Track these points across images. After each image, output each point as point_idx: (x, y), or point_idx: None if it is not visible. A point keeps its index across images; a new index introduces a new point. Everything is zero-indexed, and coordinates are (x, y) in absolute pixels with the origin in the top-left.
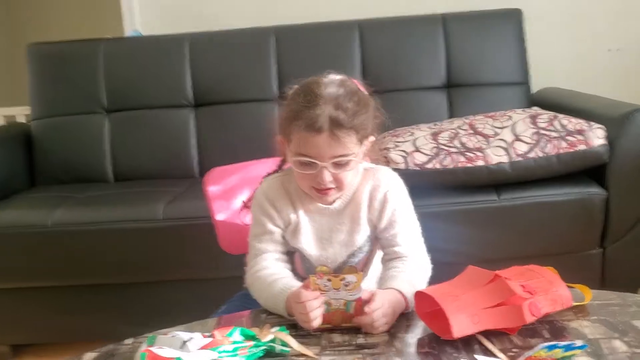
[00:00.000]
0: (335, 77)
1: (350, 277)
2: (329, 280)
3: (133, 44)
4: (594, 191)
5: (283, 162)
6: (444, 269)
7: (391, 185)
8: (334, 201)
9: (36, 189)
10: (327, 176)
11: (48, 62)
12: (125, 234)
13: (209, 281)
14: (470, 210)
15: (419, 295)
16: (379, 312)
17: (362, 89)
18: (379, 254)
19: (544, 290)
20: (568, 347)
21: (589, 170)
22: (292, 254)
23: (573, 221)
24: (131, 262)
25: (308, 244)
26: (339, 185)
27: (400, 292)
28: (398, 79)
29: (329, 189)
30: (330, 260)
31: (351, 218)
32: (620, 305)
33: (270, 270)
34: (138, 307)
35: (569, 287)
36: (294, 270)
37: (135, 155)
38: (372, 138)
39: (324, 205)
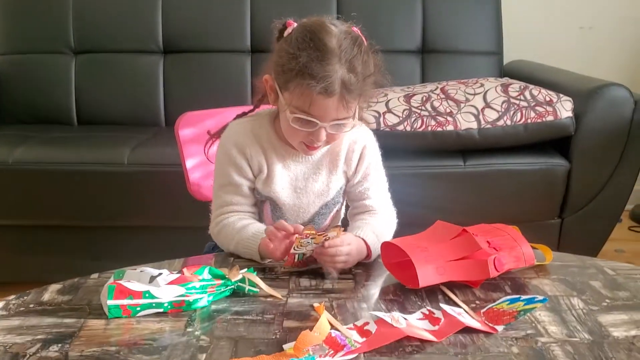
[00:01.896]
0: (342, 26)
1: (332, 233)
2: (313, 238)
3: None
4: (557, 162)
5: (260, 102)
6: (408, 229)
7: (368, 140)
8: None
9: None
10: (324, 136)
11: None
12: (88, 177)
13: (172, 229)
14: (436, 174)
15: (387, 245)
16: (342, 248)
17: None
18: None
19: (508, 247)
20: (529, 301)
21: (554, 142)
22: (261, 204)
23: (535, 190)
24: (93, 205)
25: (282, 192)
26: (330, 142)
27: (364, 241)
28: (373, 40)
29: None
30: (302, 210)
31: (328, 168)
32: (579, 267)
33: (237, 217)
34: (98, 251)
35: (531, 247)
36: (262, 221)
37: (101, 99)
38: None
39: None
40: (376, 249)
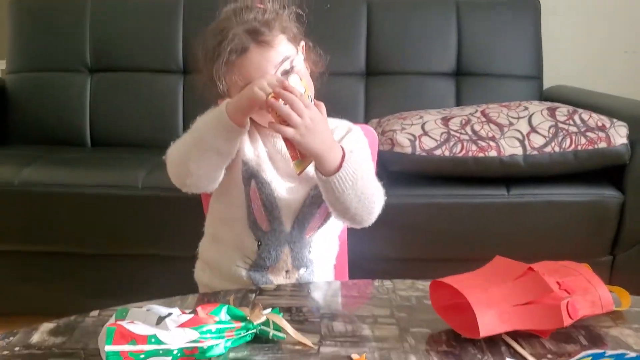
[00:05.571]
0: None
1: None
2: None
3: (123, 0)
4: (610, 194)
5: None
6: (444, 264)
7: (353, 128)
8: None
9: (7, 147)
10: None
11: (30, 14)
12: (99, 200)
13: (188, 260)
14: (477, 204)
15: (437, 285)
16: (307, 109)
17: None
18: (334, 229)
19: (582, 289)
20: (619, 358)
21: (606, 171)
22: (247, 183)
23: (584, 224)
24: (104, 231)
25: (266, 164)
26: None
27: (342, 148)
28: (405, 62)
29: None
30: (289, 192)
31: None
32: None
33: None
34: (108, 282)
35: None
36: (250, 210)
37: (117, 120)
38: (303, 43)
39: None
40: (351, 160)
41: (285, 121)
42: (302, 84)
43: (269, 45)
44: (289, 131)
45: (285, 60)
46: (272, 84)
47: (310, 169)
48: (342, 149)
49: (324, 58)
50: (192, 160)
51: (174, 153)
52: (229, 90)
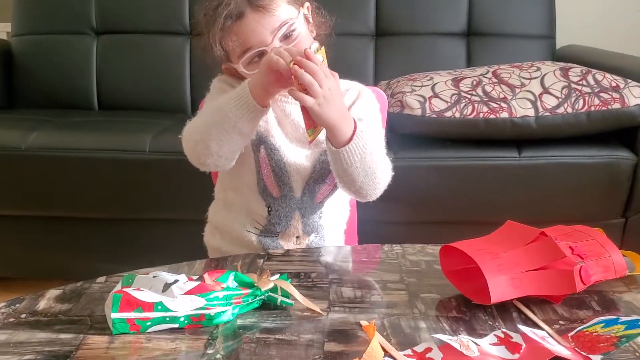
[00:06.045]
0: None
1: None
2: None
3: None
4: (623, 155)
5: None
6: (457, 229)
7: (364, 90)
8: None
9: (14, 111)
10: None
11: None
12: (106, 164)
13: (195, 223)
14: (488, 167)
15: (446, 250)
16: (326, 79)
17: None
18: (344, 194)
19: (595, 254)
20: (632, 324)
21: (619, 133)
22: (255, 149)
23: (596, 187)
24: (111, 195)
25: (275, 130)
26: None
27: (354, 120)
28: (415, 22)
29: None
30: (299, 157)
31: None
32: None
33: None
34: (116, 246)
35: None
36: (260, 176)
37: (124, 82)
38: (307, 4)
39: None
40: (360, 135)
41: (305, 89)
42: (320, 52)
43: (266, 10)
44: (309, 100)
45: (283, 25)
46: (292, 52)
47: (321, 136)
48: (355, 121)
49: (330, 20)
50: (213, 141)
51: (193, 132)
52: (229, 56)
